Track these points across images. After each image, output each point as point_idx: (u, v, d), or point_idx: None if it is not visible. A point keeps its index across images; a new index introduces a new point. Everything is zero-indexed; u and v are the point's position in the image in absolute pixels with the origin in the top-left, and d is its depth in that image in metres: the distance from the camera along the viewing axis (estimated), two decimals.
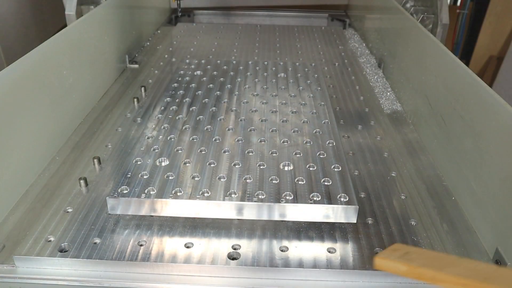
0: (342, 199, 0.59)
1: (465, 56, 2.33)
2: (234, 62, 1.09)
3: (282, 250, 0.57)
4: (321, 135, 0.75)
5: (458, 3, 2.21)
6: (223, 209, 0.60)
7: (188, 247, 0.57)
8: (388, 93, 1.07)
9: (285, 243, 0.59)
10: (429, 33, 0.90)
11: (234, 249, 0.57)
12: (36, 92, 0.74)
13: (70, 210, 0.65)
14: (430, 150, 0.83)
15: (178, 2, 1.50)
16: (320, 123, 0.79)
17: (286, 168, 0.66)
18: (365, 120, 0.93)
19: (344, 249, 0.58)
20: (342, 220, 0.60)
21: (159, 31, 1.54)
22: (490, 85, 2.11)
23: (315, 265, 0.55)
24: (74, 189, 0.70)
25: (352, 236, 0.60)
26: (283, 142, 0.73)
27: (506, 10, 2.20)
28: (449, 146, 0.74)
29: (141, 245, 0.58)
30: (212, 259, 0.55)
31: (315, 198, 0.59)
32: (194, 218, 0.62)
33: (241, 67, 1.06)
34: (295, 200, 0.59)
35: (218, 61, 1.09)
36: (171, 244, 0.58)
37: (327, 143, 0.73)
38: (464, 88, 0.70)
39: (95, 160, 0.75)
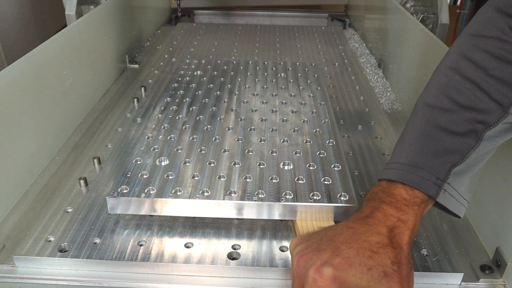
0: (342, 198, 0.59)
1: None
2: (234, 62, 1.09)
3: (282, 250, 0.57)
4: (321, 135, 0.75)
5: (458, 3, 2.22)
6: (223, 208, 0.60)
7: (188, 247, 0.57)
8: (388, 93, 1.07)
9: (285, 243, 0.59)
10: (430, 33, 0.90)
11: (234, 249, 0.57)
12: (36, 92, 0.74)
13: (70, 210, 0.65)
14: None
15: (178, 2, 1.50)
16: (320, 123, 0.79)
17: (286, 168, 0.66)
18: (365, 120, 0.93)
19: None
20: (343, 219, 0.60)
21: (159, 31, 1.54)
22: None
23: None
24: (74, 189, 0.70)
25: None
26: (283, 141, 0.73)
27: None
28: None
29: (141, 245, 0.58)
30: (212, 259, 0.55)
31: (315, 197, 0.59)
32: (194, 218, 0.62)
33: (241, 67, 1.06)
34: (295, 199, 0.59)
35: (218, 61, 1.09)
36: (171, 244, 0.58)
37: (327, 142, 0.73)
38: None
39: (95, 160, 0.75)
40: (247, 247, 0.58)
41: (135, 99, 0.99)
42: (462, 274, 0.55)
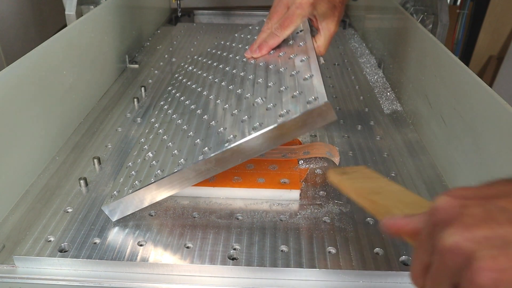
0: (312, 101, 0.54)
1: (465, 56, 2.33)
2: (225, 54, 1.02)
3: (282, 250, 0.57)
4: (298, 74, 0.64)
5: (458, 3, 2.21)
6: (205, 167, 0.56)
7: (188, 247, 0.57)
8: (388, 93, 1.07)
9: (285, 243, 0.59)
10: (429, 33, 0.90)
11: (234, 249, 0.57)
12: (36, 92, 0.74)
13: (70, 210, 0.65)
14: (430, 150, 0.83)
15: (178, 2, 1.50)
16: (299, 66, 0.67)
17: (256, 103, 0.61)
18: (365, 120, 0.93)
19: (344, 249, 0.58)
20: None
21: (159, 31, 1.54)
22: (490, 85, 2.11)
23: (315, 265, 0.55)
24: (74, 189, 0.70)
25: (352, 236, 0.60)
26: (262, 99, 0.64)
27: (506, 10, 2.20)
28: (449, 146, 0.74)
29: (141, 245, 0.58)
30: (212, 259, 0.55)
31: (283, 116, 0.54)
32: (193, 218, 0.63)
33: (230, 55, 0.97)
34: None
35: (208, 49, 1.02)
36: (171, 244, 0.58)
37: (306, 75, 0.62)
38: (464, 88, 0.70)
39: (95, 160, 0.75)
40: (247, 247, 0.58)
41: (135, 99, 0.99)
42: None
